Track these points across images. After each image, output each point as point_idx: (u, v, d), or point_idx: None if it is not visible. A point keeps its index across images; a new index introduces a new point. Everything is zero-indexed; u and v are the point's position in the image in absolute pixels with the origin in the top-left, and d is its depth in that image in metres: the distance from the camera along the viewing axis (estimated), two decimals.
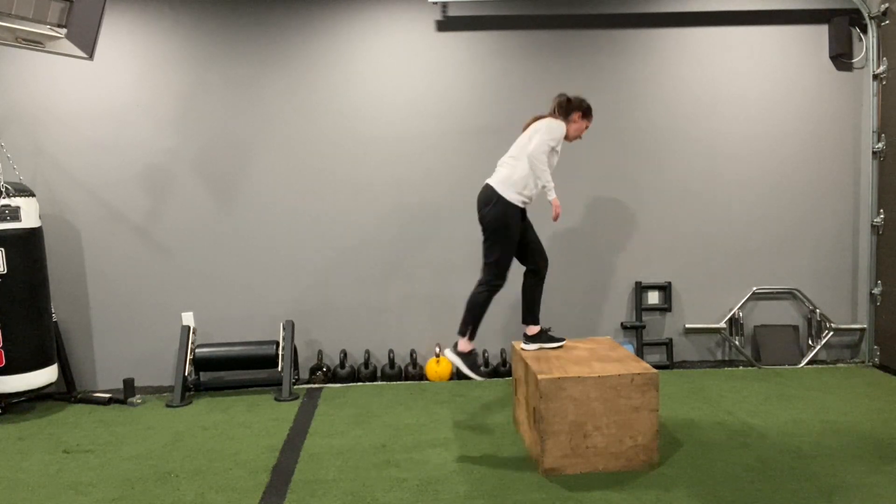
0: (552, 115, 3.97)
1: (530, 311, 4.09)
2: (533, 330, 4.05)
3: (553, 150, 3.88)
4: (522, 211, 3.94)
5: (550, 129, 3.84)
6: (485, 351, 5.37)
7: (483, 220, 3.90)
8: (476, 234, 5.34)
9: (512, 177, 3.84)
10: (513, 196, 3.84)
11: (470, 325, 3.91)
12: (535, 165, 3.79)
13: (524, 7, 5.29)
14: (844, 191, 5.49)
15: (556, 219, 3.93)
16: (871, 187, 5.41)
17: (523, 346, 4.07)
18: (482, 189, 3.95)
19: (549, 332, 4.12)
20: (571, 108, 3.97)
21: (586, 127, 4.08)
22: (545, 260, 4.09)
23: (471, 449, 3.85)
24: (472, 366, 3.92)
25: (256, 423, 4.39)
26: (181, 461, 3.79)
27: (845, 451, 3.67)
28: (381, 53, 5.25)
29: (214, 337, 5.27)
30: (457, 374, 5.31)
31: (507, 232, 3.85)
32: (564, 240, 5.43)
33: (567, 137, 4.00)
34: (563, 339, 4.07)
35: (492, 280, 3.90)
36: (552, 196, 3.85)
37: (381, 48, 5.25)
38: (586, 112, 4.03)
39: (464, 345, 3.92)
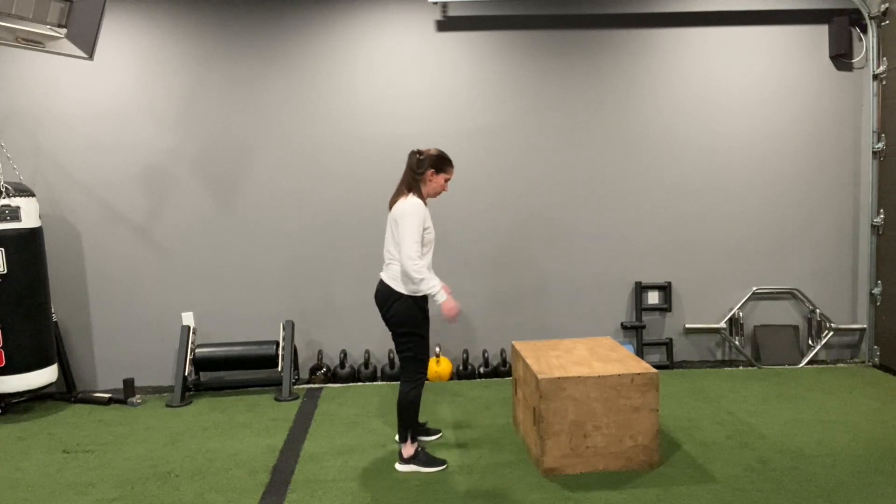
0: (403, 189, 3.56)
1: (399, 424, 3.64)
2: (408, 450, 3.61)
3: (426, 230, 3.50)
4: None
5: (409, 221, 3.42)
6: (485, 351, 5.37)
7: (387, 319, 3.56)
8: (476, 235, 5.37)
9: (396, 272, 3.53)
10: (411, 289, 3.49)
11: (409, 428, 3.58)
12: (411, 276, 3.41)
13: (524, 7, 5.29)
14: (844, 191, 5.49)
15: (452, 321, 3.52)
16: (871, 187, 5.41)
17: (397, 466, 3.63)
18: (378, 285, 3.62)
19: (426, 450, 3.72)
20: (421, 170, 3.55)
21: (446, 180, 3.63)
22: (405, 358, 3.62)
23: (471, 449, 3.85)
24: (429, 461, 3.59)
25: (256, 423, 4.39)
26: (181, 461, 3.79)
27: (845, 451, 3.68)
28: (382, 53, 5.25)
29: (214, 337, 5.27)
30: (456, 375, 5.31)
31: (417, 326, 3.52)
32: (564, 240, 5.43)
33: (429, 196, 3.61)
34: (444, 463, 3.62)
35: (414, 375, 3.56)
36: (441, 299, 3.44)
37: (381, 48, 5.25)
38: (438, 165, 3.58)
39: (408, 449, 3.59)
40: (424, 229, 3.49)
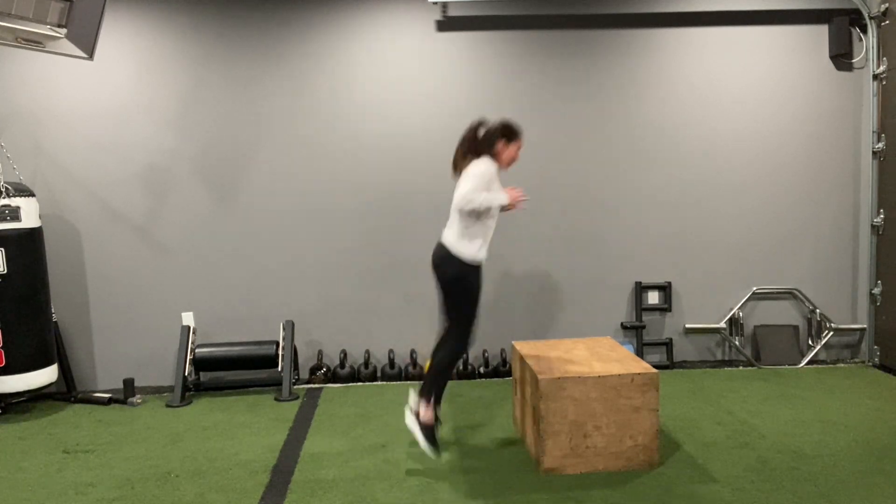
0: (470, 156, 3.52)
1: (426, 379, 3.62)
2: (426, 413, 3.53)
3: (488, 189, 3.44)
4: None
5: (474, 173, 3.41)
6: (485, 351, 5.37)
7: (441, 278, 3.57)
8: None
9: (464, 236, 3.49)
10: (468, 255, 3.49)
11: (434, 391, 3.54)
12: (470, 207, 3.36)
13: (524, 7, 5.28)
14: (844, 191, 5.49)
15: (516, 203, 3.50)
16: (871, 187, 5.41)
17: (407, 417, 3.62)
18: (437, 245, 3.61)
19: (437, 428, 3.61)
20: (492, 140, 3.53)
21: (517, 149, 3.60)
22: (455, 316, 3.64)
23: (471, 449, 3.85)
24: (430, 438, 3.49)
25: (256, 423, 4.39)
26: (181, 461, 3.79)
27: (845, 451, 3.67)
28: (382, 53, 5.25)
29: (214, 337, 5.26)
30: (456, 375, 5.31)
31: (468, 289, 3.53)
32: (564, 239, 5.43)
33: (501, 167, 3.57)
34: (438, 453, 3.55)
35: (460, 338, 3.55)
36: (502, 199, 3.43)
37: (382, 48, 5.25)
38: (509, 135, 3.56)
39: (426, 413, 3.51)
40: (489, 187, 3.44)
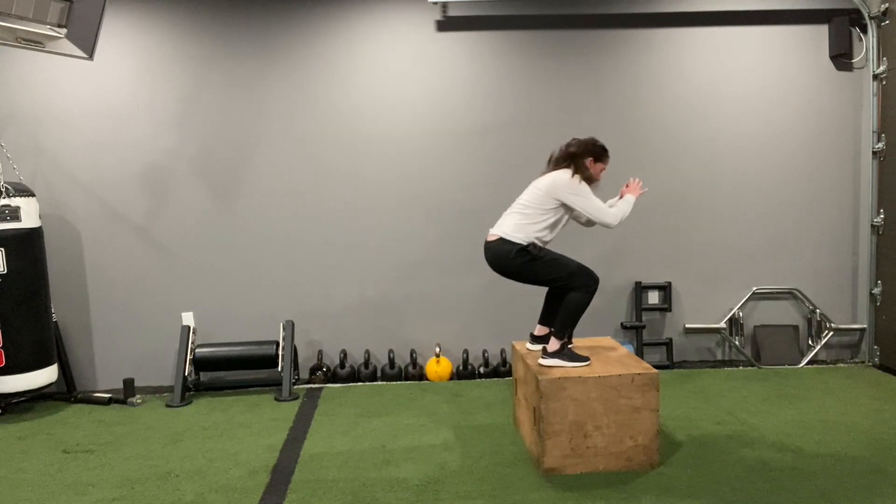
0: (565, 165, 3.73)
1: (557, 320, 3.73)
2: (553, 344, 3.68)
3: (567, 207, 3.72)
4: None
5: (583, 192, 3.65)
6: (485, 351, 5.37)
7: (508, 272, 3.69)
8: (476, 234, 5.35)
9: (525, 225, 3.64)
10: (530, 237, 3.63)
11: (569, 327, 3.66)
12: (620, 220, 3.73)
13: (524, 7, 5.28)
14: (844, 191, 5.49)
15: (637, 191, 3.89)
16: (871, 187, 5.41)
17: (533, 351, 3.88)
18: (489, 244, 3.72)
19: (572, 347, 3.78)
20: (583, 156, 3.73)
21: (602, 170, 3.81)
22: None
23: (471, 449, 3.85)
24: (572, 356, 3.62)
25: (256, 423, 4.39)
26: (181, 461, 3.78)
27: (845, 451, 3.67)
28: (382, 53, 5.25)
29: (214, 337, 5.26)
30: (456, 375, 5.31)
31: (546, 259, 3.64)
32: (564, 239, 5.41)
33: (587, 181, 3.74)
34: (587, 359, 3.67)
35: (586, 283, 3.63)
36: (631, 199, 3.83)
37: (382, 48, 5.25)
38: (597, 156, 3.76)
39: (553, 344, 3.63)
40: (571, 210, 3.74)
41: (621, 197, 3.90)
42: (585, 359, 3.66)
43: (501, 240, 3.68)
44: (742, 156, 5.43)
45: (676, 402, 4.55)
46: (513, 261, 3.64)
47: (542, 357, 3.68)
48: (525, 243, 3.62)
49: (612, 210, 3.73)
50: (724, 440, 3.87)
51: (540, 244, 3.67)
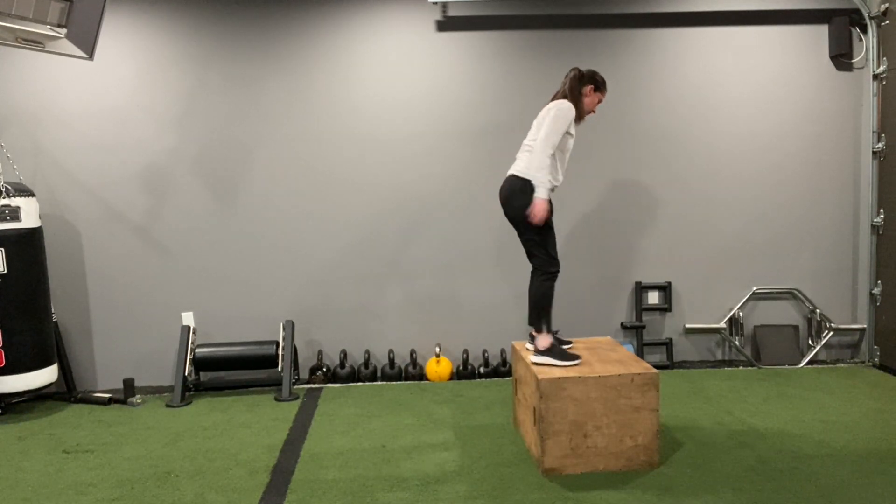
0: (562, 94, 3.83)
1: (530, 312, 3.86)
2: (544, 341, 3.72)
3: (567, 133, 3.74)
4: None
5: (558, 117, 3.67)
6: (485, 351, 5.37)
7: (512, 213, 3.77)
8: (476, 234, 5.37)
9: (534, 163, 3.70)
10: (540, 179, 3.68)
11: (544, 318, 3.75)
12: (536, 157, 3.65)
13: (524, 7, 5.29)
14: (844, 191, 5.49)
15: (533, 219, 3.67)
16: (871, 187, 5.41)
17: (528, 348, 3.94)
18: (505, 182, 3.83)
19: (565, 347, 3.86)
20: (583, 83, 3.82)
21: (599, 101, 3.91)
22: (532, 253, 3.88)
23: (471, 449, 3.85)
24: (562, 355, 3.65)
25: (256, 423, 4.39)
26: (181, 461, 3.79)
27: (845, 451, 3.68)
28: (382, 53, 5.25)
29: (214, 337, 5.27)
30: (456, 375, 5.31)
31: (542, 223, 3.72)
32: (564, 240, 5.43)
33: (580, 115, 3.83)
34: (578, 358, 3.68)
35: (545, 267, 3.79)
36: (541, 195, 3.63)
37: (382, 48, 5.25)
38: (598, 85, 3.86)
39: (544, 340, 3.70)
40: (567, 133, 3.75)
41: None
42: (577, 357, 3.69)
43: (514, 177, 3.79)
44: (742, 156, 5.43)
45: (676, 402, 4.55)
46: (522, 196, 3.70)
47: (533, 354, 3.75)
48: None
49: (543, 158, 3.64)
50: (724, 440, 3.87)
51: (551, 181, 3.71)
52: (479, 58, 5.30)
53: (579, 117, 3.83)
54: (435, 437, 4.04)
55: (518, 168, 3.79)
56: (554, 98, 3.87)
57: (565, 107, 3.71)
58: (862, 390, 4.73)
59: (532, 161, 3.69)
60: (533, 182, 3.67)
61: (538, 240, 3.77)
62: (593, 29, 5.31)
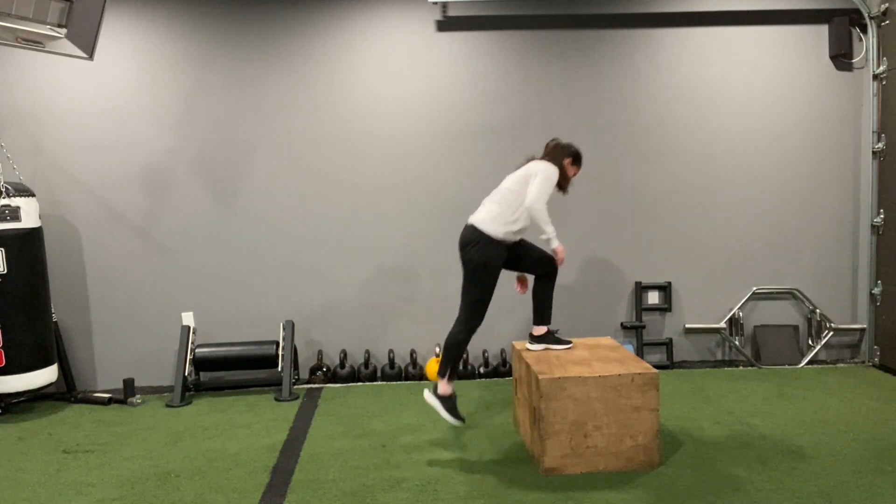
0: (545, 158, 3.90)
1: (538, 312, 4.03)
2: (539, 330, 4.01)
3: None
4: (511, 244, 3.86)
5: (547, 179, 3.77)
6: (485, 351, 5.37)
7: (466, 259, 3.77)
8: None
9: (500, 215, 3.74)
10: (499, 232, 3.73)
11: (449, 366, 3.77)
12: (536, 216, 3.73)
13: (524, 7, 5.29)
14: (844, 191, 5.49)
15: (562, 262, 3.97)
16: (871, 187, 5.41)
17: (528, 345, 4.05)
18: (464, 229, 3.82)
19: (556, 334, 4.05)
20: (564, 154, 3.92)
21: (574, 174, 4.00)
22: (550, 262, 4.00)
23: (471, 449, 3.85)
24: (452, 410, 3.73)
25: (256, 423, 4.39)
26: (181, 461, 3.79)
27: (845, 451, 3.67)
28: (382, 53, 5.25)
29: (214, 337, 5.26)
30: (457, 375, 5.30)
31: (490, 272, 3.74)
32: (564, 240, 5.41)
33: (564, 184, 3.92)
34: (569, 342, 4.03)
35: (469, 320, 3.76)
36: (556, 245, 3.85)
37: (382, 48, 5.25)
38: (575, 158, 3.97)
39: (444, 387, 3.76)
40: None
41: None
42: (568, 342, 4.01)
43: (472, 227, 3.80)
44: (742, 156, 5.43)
45: (676, 402, 4.55)
46: (476, 249, 3.74)
47: (529, 343, 4.03)
48: (493, 236, 3.74)
49: (544, 214, 3.75)
50: (724, 440, 3.87)
51: (511, 235, 3.79)
52: (478, 58, 5.30)
53: (561, 187, 3.91)
54: (435, 437, 4.04)
55: (478, 218, 3.79)
56: (531, 160, 3.91)
57: (551, 171, 3.80)
58: (862, 390, 4.73)
59: (536, 219, 3.77)
60: (546, 237, 3.82)
61: (478, 295, 3.75)
62: (593, 29, 5.31)
